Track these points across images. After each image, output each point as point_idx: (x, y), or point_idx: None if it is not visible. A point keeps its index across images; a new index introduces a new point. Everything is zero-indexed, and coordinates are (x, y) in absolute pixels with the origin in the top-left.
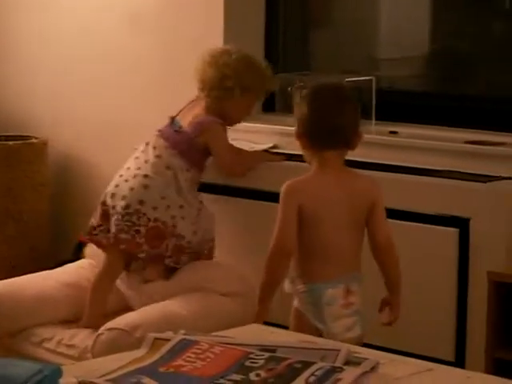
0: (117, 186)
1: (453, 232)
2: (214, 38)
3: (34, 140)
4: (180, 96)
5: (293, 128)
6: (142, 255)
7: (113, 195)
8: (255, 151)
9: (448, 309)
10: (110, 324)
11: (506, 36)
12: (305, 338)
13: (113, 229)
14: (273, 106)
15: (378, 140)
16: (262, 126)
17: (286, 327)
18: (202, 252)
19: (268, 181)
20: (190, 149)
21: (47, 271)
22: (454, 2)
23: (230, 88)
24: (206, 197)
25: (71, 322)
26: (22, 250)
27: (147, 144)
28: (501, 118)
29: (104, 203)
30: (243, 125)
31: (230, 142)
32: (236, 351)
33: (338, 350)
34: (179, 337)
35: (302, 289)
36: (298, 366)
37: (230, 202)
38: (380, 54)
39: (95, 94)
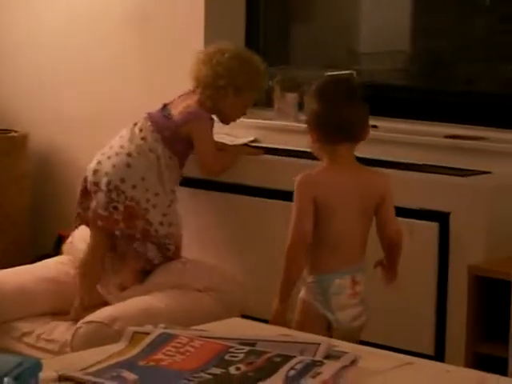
0: (99, 162)
1: (433, 226)
2: (194, 34)
3: (14, 133)
4: (162, 90)
5: (272, 122)
6: (117, 232)
7: (95, 172)
8: (235, 145)
9: (428, 303)
10: (88, 317)
11: (486, 32)
12: (284, 332)
13: (93, 205)
14: None
15: None
16: (243, 119)
17: (265, 321)
18: (169, 248)
19: (248, 175)
20: (173, 137)
21: (27, 265)
22: None
23: (223, 87)
24: (184, 190)
25: (50, 315)
26: (1, 244)
27: (135, 125)
28: (480, 112)
29: (85, 180)
30: None
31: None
32: (216, 345)
33: (318, 344)
34: (159, 330)
35: (311, 279)
36: (278, 359)
37: (209, 196)
38: (361, 48)
39: (76, 88)
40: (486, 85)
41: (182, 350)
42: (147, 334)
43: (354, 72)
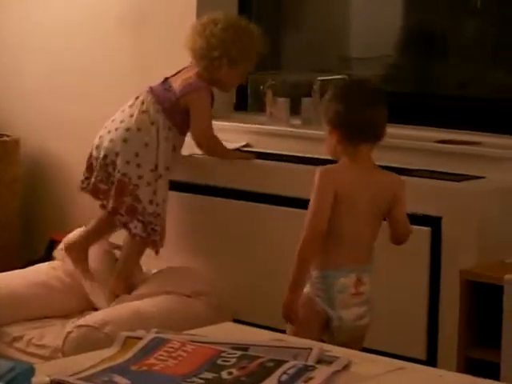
0: (100, 137)
1: (425, 231)
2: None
3: (6, 138)
4: None
5: (264, 126)
6: (109, 206)
7: (97, 147)
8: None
9: (420, 307)
10: (79, 322)
11: (477, 35)
12: (277, 337)
13: (93, 179)
14: (245, 104)
15: None
16: (234, 124)
17: (258, 326)
18: (152, 232)
19: (239, 179)
20: (173, 108)
21: (18, 270)
22: (426, 1)
23: (218, 58)
24: (174, 194)
25: (40, 320)
26: None
27: (136, 98)
28: (473, 117)
29: (90, 156)
30: (215, 123)
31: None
32: (208, 350)
33: (310, 349)
34: (151, 335)
35: (316, 274)
36: (270, 364)
37: (199, 200)
38: (352, 53)
39: (68, 92)
40: (478, 89)
41: (174, 354)
42: (140, 338)
43: (346, 77)
